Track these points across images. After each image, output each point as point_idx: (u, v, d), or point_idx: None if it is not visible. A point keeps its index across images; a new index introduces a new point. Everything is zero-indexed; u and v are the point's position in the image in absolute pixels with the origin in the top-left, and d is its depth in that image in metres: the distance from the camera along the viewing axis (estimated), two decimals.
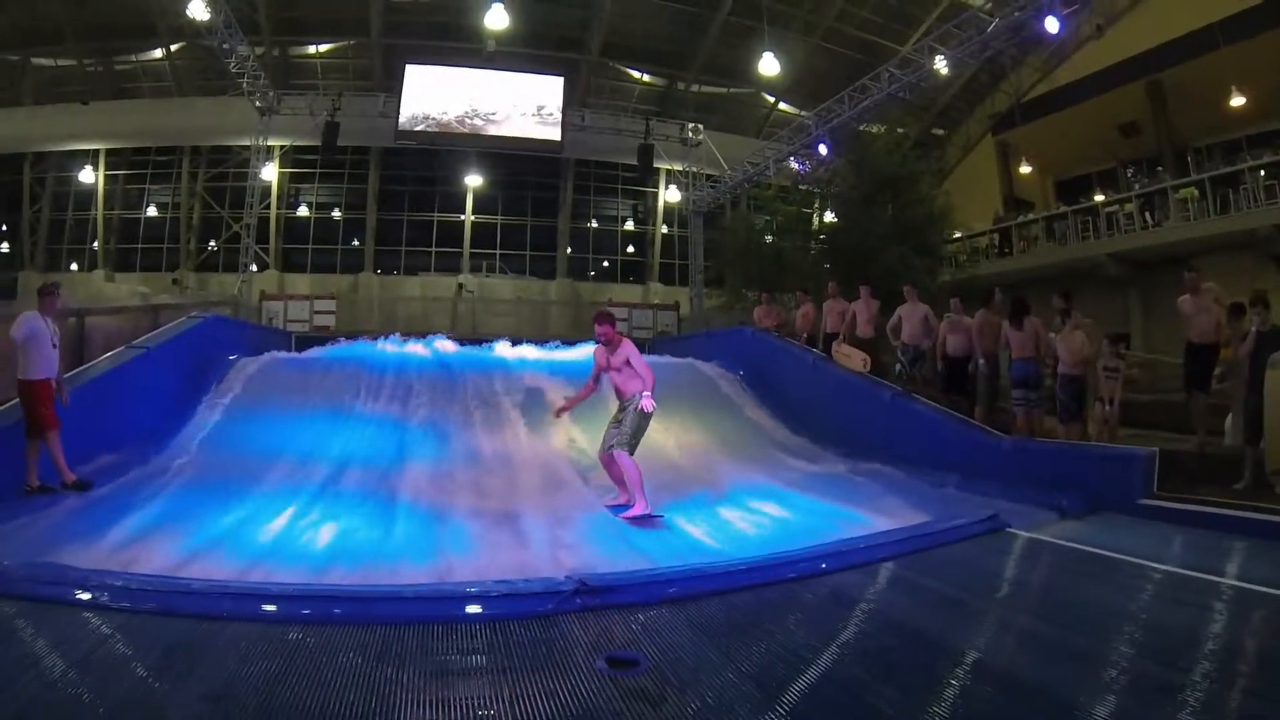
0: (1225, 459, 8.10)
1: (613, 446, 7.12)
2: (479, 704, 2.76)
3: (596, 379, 7.73)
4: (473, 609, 3.77)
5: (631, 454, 7.06)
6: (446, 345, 13.19)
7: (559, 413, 8.17)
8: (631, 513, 6.75)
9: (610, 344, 7.45)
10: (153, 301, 17.34)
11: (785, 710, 2.68)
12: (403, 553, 5.43)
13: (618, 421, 7.34)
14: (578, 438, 9.39)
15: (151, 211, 28.01)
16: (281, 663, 3.04)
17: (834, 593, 4.33)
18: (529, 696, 2.75)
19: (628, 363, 7.34)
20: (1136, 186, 21.42)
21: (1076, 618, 3.92)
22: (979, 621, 3.96)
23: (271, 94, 22.37)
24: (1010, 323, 9.93)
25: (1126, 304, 19.89)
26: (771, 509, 7.12)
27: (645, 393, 7.08)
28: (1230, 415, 8.61)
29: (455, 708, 2.68)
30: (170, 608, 3.63)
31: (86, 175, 27.33)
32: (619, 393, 7.46)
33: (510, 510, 6.79)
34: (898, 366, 11.64)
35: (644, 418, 7.21)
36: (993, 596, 4.45)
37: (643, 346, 14.48)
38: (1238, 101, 20.22)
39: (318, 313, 20.89)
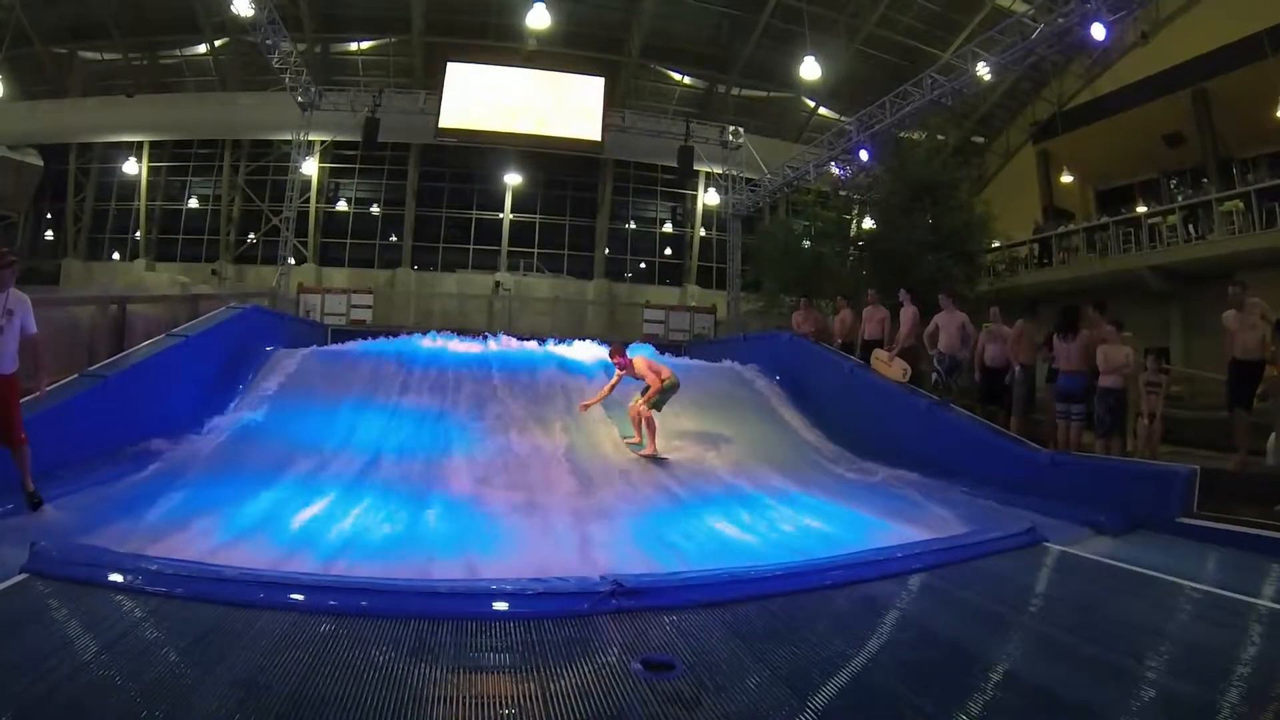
0: (1267, 479, 7.95)
1: (641, 405, 9.36)
2: (512, 702, 2.76)
3: (614, 385, 9.86)
4: (507, 606, 3.76)
5: (657, 410, 9.43)
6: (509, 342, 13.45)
7: (584, 407, 9.91)
8: (644, 451, 9.15)
9: (627, 369, 9.72)
10: (192, 291, 17.57)
11: (820, 718, 2.65)
12: (436, 546, 5.42)
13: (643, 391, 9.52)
14: (618, 439, 9.63)
15: (193, 203, 28.50)
16: (313, 653, 3.05)
17: (869, 601, 4.28)
18: (563, 696, 2.74)
19: (648, 369, 9.64)
20: (1179, 198, 21.05)
21: (1113, 635, 3.85)
22: (1015, 635, 3.91)
23: (313, 90, 22.59)
24: (1059, 335, 9.78)
25: (1167, 318, 19.55)
26: (807, 515, 7.07)
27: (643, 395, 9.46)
28: (1273, 435, 8.43)
29: (488, 706, 2.68)
30: (203, 594, 3.66)
31: (130, 166, 27.83)
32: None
33: (546, 506, 6.79)
34: (934, 375, 11.54)
35: (664, 395, 9.49)
36: (1029, 611, 4.39)
37: (679, 349, 14.56)
38: None
39: (355, 307, 21.18)
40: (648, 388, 9.45)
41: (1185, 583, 4.87)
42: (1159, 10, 20.97)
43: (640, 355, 10.36)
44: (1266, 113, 19.75)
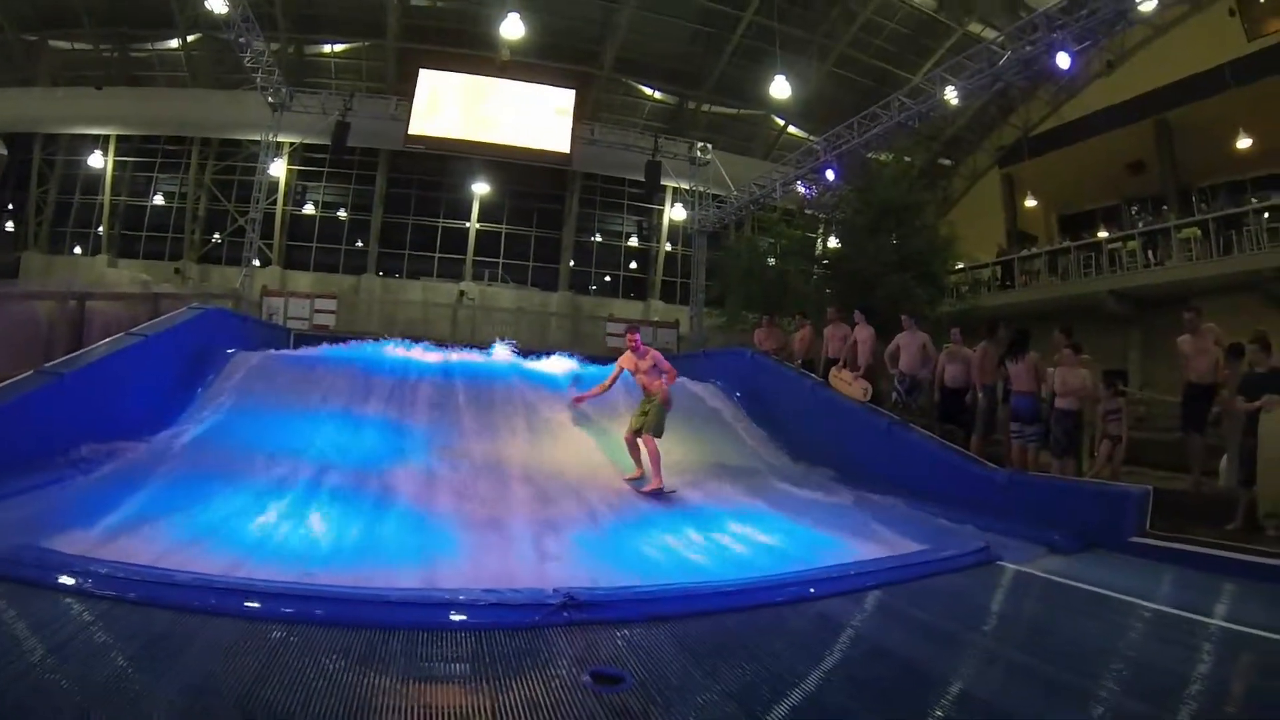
0: (1219, 500, 8.14)
1: (641, 431, 8.65)
2: (461, 713, 2.75)
3: (614, 379, 9.51)
4: (459, 617, 3.75)
5: (657, 437, 8.58)
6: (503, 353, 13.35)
7: (577, 400, 9.83)
8: (648, 487, 8.16)
9: (638, 351, 9.17)
10: (154, 290, 17.32)
11: None
12: (390, 555, 5.38)
13: (644, 412, 8.79)
14: (580, 449, 9.48)
15: (158, 200, 28.06)
16: (263, 660, 3.02)
17: (822, 618, 4.32)
18: (511, 708, 2.74)
19: (654, 366, 9.01)
20: (1140, 224, 21.51)
21: (1064, 653, 3.91)
22: (966, 653, 3.95)
23: (284, 90, 22.46)
24: (1010, 356, 9.98)
25: (1126, 342, 19.92)
26: (763, 532, 7.10)
27: (667, 387, 8.84)
28: (1225, 456, 8.62)
29: (436, 716, 2.66)
30: (154, 598, 3.61)
31: (96, 160, 27.38)
32: (645, 389, 9.05)
33: (503, 518, 6.76)
34: (894, 395, 11.65)
35: (662, 411, 8.76)
36: (981, 628, 4.44)
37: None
38: (1244, 143, 20.32)
39: (318, 311, 20.93)
40: (649, 397, 8.88)
41: (1137, 601, 4.96)
42: (1124, 42, 21.62)
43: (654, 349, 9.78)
44: (1225, 143, 20.35)
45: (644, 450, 8.59)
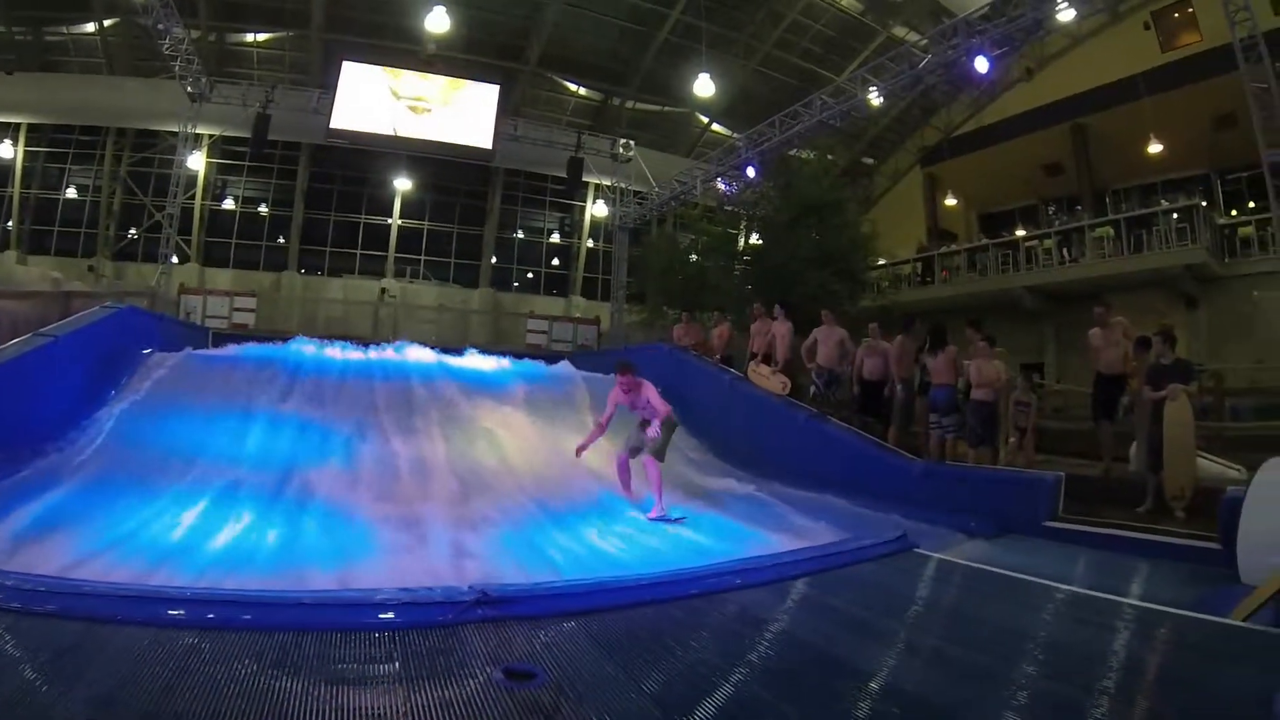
0: (1129, 484, 8.47)
1: (640, 451, 7.99)
2: (373, 713, 2.71)
3: (609, 419, 8.39)
4: (373, 616, 3.69)
5: (660, 460, 7.85)
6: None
7: (579, 452, 8.36)
8: (651, 514, 7.45)
9: (631, 391, 8.18)
10: (65, 288, 16.76)
11: None
12: (308, 558, 5.33)
13: (644, 433, 8.06)
14: (500, 447, 9.41)
15: (71, 193, 26.80)
16: (174, 668, 2.93)
17: (738, 610, 4.33)
18: (424, 706, 2.69)
19: (649, 403, 8.11)
20: (1056, 223, 22.22)
21: (979, 636, 3.98)
22: (882, 640, 3.97)
23: (204, 80, 21.87)
24: (928, 350, 10.24)
25: (1042, 335, 20.59)
26: (683, 527, 7.19)
27: (657, 421, 7.94)
28: (1135, 443, 8.96)
29: (348, 717, 2.63)
30: (63, 610, 3.47)
31: (4, 150, 25.99)
32: (644, 420, 8.24)
33: (422, 516, 6.72)
34: (812, 389, 11.82)
35: (670, 433, 8.10)
36: (897, 615, 4.46)
37: (559, 360, 14.47)
38: (1155, 149, 21.15)
39: (237, 310, 20.52)
40: (646, 426, 8.11)
41: (1050, 583, 5.04)
42: (1044, 50, 22.52)
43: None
44: (1138, 148, 21.23)
45: (641, 473, 7.99)
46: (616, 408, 8.34)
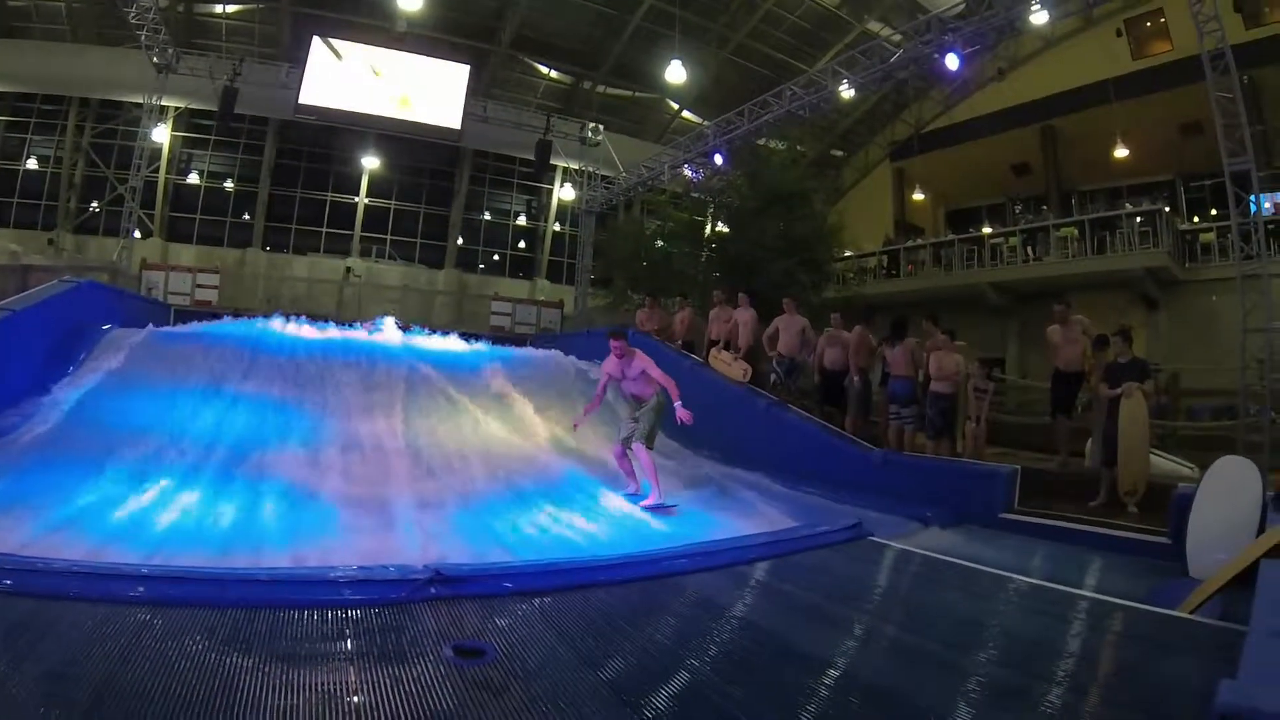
0: (1084, 478, 8.67)
1: (631, 439, 7.88)
2: (323, 689, 2.71)
3: (604, 388, 8.44)
4: (326, 594, 3.66)
5: (650, 448, 7.82)
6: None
7: (576, 425, 8.70)
8: (647, 502, 7.39)
9: (624, 357, 7.99)
10: (24, 261, 16.48)
11: (630, 704, 2.69)
12: (268, 537, 5.34)
13: (634, 419, 7.96)
14: (461, 427, 9.39)
15: (31, 164, 25.99)
16: (125, 644, 2.90)
17: (692, 593, 4.35)
18: (375, 683, 2.70)
19: (644, 373, 7.95)
20: (1022, 222, 22.39)
21: (931, 623, 4.03)
22: (834, 625, 4.00)
23: (171, 51, 21.37)
24: (887, 341, 10.36)
25: (1005, 331, 20.76)
26: (639, 510, 7.24)
27: (678, 404, 7.61)
28: (1091, 439, 9.13)
29: (298, 694, 2.61)
30: (17, 586, 3.44)
31: None
32: (636, 398, 8.09)
33: (383, 496, 6.72)
34: (773, 377, 11.90)
35: (659, 416, 7.95)
36: (850, 601, 4.49)
37: (524, 342, 14.39)
38: (1122, 153, 21.52)
39: (200, 286, 20.13)
40: (641, 404, 8.02)
41: (1003, 573, 5.09)
42: (1016, 51, 22.82)
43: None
44: (1105, 152, 21.66)
45: (637, 462, 7.91)
46: (609, 378, 8.31)
